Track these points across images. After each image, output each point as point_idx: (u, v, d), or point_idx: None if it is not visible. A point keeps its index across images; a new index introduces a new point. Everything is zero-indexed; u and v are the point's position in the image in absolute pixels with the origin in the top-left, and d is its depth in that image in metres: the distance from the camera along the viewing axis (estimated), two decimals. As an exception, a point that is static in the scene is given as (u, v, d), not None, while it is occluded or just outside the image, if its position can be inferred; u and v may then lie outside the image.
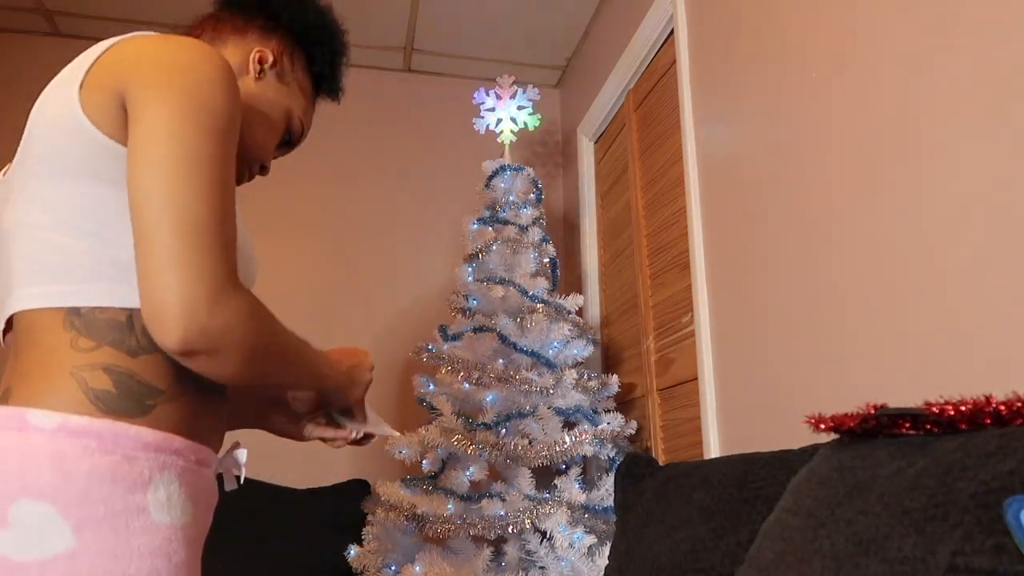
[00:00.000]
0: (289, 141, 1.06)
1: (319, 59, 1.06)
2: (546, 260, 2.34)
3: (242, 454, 0.92)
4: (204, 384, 0.80)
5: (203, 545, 0.85)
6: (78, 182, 0.75)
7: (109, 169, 0.75)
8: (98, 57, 0.78)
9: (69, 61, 0.84)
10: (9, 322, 0.80)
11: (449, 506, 1.94)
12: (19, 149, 0.82)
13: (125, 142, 0.75)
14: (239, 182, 1.01)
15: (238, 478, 0.93)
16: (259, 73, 0.99)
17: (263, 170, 1.04)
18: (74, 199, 0.76)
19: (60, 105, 0.77)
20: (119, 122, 0.75)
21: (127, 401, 0.73)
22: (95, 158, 0.75)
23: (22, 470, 0.67)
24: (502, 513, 1.89)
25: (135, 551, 0.70)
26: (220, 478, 0.92)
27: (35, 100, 0.84)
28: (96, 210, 0.75)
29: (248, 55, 0.99)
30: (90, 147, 0.75)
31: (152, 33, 0.82)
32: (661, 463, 1.75)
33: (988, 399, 0.74)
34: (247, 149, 0.98)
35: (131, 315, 0.75)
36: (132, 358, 0.75)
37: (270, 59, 1.00)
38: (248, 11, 1.03)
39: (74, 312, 0.74)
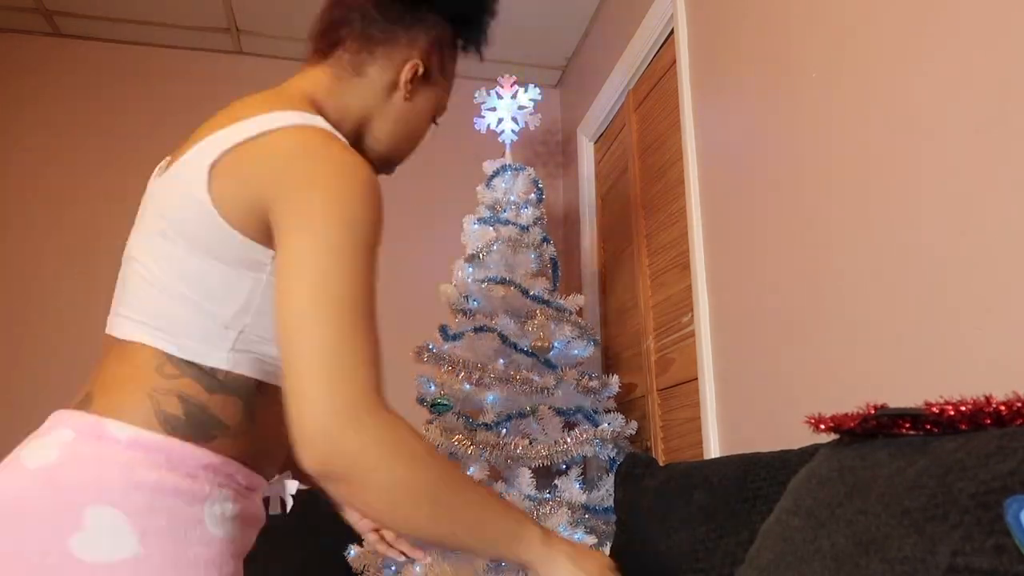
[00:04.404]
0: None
1: (473, 32, 1.02)
2: (547, 260, 2.34)
3: (291, 485, 0.97)
4: (268, 427, 0.85)
5: (243, 561, 0.90)
6: (192, 253, 0.80)
7: (224, 250, 0.79)
8: (241, 143, 0.80)
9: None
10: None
11: (449, 506, 1.94)
12: (160, 183, 0.86)
13: (254, 238, 0.79)
14: None
15: (284, 504, 0.98)
16: (410, 93, 0.97)
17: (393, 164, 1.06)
18: (184, 265, 0.80)
19: (192, 180, 0.80)
20: (252, 222, 0.79)
21: (191, 428, 0.78)
22: (214, 239, 0.79)
23: (99, 477, 0.72)
24: (502, 513, 1.89)
25: (191, 560, 0.75)
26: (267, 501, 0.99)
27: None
28: (201, 282, 0.80)
29: (398, 72, 0.95)
30: (211, 229, 0.79)
31: (296, 126, 0.81)
32: (661, 463, 1.75)
33: (988, 399, 0.74)
34: (389, 159, 1.02)
35: (213, 369, 0.81)
36: (209, 394, 0.80)
37: (421, 70, 0.96)
38: (397, 6, 0.96)
39: (166, 354, 0.80)
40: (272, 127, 0.81)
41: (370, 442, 0.70)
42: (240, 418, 0.82)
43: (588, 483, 2.09)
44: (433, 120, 1.04)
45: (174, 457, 0.76)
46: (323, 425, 0.69)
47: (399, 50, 0.95)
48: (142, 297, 0.82)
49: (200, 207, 0.79)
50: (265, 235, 0.79)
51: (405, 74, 0.95)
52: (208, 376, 0.80)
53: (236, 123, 0.81)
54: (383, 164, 1.04)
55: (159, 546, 0.72)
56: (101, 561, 0.70)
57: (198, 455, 0.77)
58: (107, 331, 0.86)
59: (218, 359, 0.80)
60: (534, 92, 2.53)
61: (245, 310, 0.81)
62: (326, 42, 0.96)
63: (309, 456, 0.69)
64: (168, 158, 0.90)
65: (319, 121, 0.84)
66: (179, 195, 0.81)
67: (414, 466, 0.72)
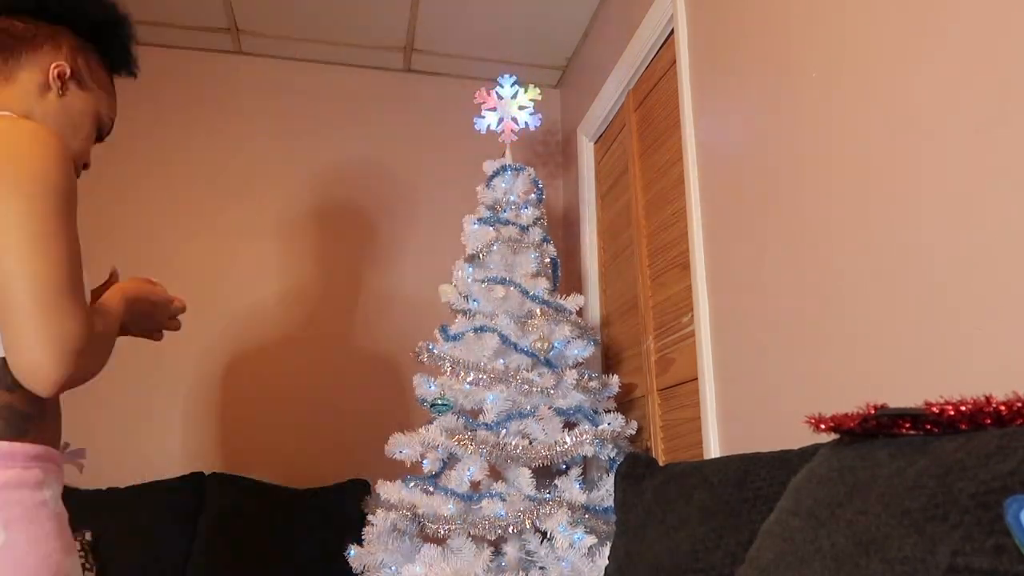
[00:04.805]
0: (100, 137, 1.16)
1: (112, 50, 1.15)
2: (547, 260, 2.34)
3: (82, 450, 1.12)
4: (55, 404, 0.99)
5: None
6: None
7: None
8: None
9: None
10: None
11: (449, 506, 1.94)
12: None
13: None
14: None
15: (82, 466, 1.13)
16: (61, 89, 1.06)
17: (85, 168, 1.16)
18: None
19: None
20: None
21: (9, 428, 0.90)
22: None
23: None
24: (502, 513, 1.89)
25: (49, 534, 0.90)
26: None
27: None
28: None
29: (47, 72, 1.05)
30: None
31: None
32: (661, 463, 1.75)
33: (988, 399, 0.74)
34: None
35: (4, 360, 0.90)
36: (9, 393, 0.90)
37: (68, 71, 1.06)
38: (31, 20, 1.08)
39: None
40: None
41: (90, 358, 0.90)
42: (40, 405, 0.94)
43: (588, 483, 2.09)
44: (101, 131, 1.15)
45: (6, 457, 0.88)
46: (56, 363, 0.86)
47: (44, 54, 1.06)
48: None
49: None
50: None
51: (52, 73, 1.05)
52: (3, 372, 0.90)
53: None
54: None
55: (21, 530, 0.86)
56: None
57: (25, 450, 0.90)
58: None
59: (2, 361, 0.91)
60: (534, 92, 2.53)
61: None
62: None
63: (46, 388, 0.87)
64: None
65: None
66: None
67: (107, 343, 0.97)
